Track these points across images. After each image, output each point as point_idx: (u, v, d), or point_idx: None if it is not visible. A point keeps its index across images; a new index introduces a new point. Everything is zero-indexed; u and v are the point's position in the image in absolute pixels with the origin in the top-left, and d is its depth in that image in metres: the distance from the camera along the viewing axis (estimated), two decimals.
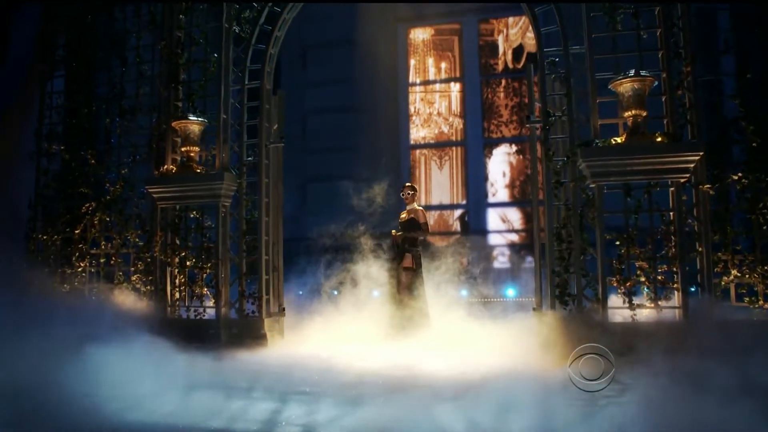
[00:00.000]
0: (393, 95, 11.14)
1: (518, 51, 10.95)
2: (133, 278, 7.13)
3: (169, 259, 6.80)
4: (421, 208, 7.05)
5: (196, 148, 6.76)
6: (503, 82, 11.48)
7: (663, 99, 5.73)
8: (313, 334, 6.81)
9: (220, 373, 5.03)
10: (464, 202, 11.36)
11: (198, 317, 6.63)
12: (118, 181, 7.40)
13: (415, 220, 6.92)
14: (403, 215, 7.05)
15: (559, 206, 5.91)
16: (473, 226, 11.36)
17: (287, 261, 7.32)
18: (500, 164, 11.08)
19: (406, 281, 6.70)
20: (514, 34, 10.85)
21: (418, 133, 11.32)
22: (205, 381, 4.63)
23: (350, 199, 8.26)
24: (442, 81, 11.09)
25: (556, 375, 4.36)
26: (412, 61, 11.24)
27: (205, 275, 6.71)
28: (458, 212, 11.44)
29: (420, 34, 11.16)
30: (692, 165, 5.36)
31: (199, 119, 6.71)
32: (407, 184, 7.22)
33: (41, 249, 7.59)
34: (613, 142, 5.52)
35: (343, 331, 6.73)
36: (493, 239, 11.01)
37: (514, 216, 10.97)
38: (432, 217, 12.30)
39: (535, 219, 6.20)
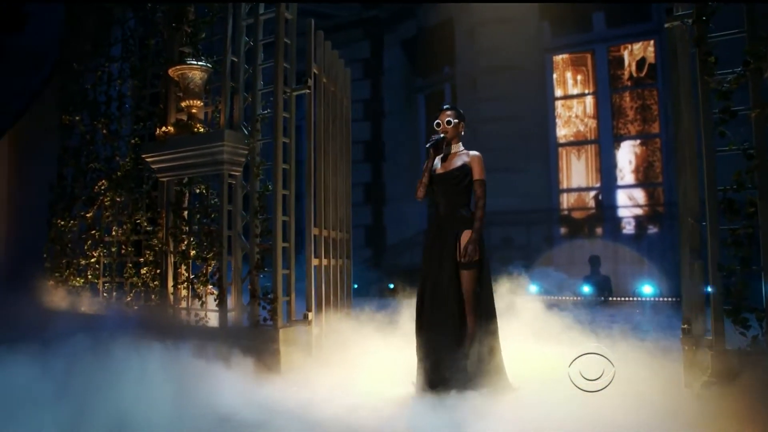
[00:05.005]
0: (542, 104, 13.83)
1: (641, 62, 13.34)
2: (143, 271, 5.77)
3: (170, 248, 5.30)
4: (476, 153, 3.82)
5: (199, 102, 5.15)
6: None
7: None
8: (359, 352, 4.81)
9: None
10: (598, 184, 13.47)
11: (200, 323, 5.06)
12: (128, 153, 6.09)
13: (468, 169, 3.75)
14: (438, 165, 3.88)
15: (731, 153, 3.35)
16: (605, 203, 13.29)
17: None
18: (627, 154, 13.13)
19: (468, 287, 3.58)
20: (637, 49, 13.17)
21: (560, 132, 13.93)
22: None
23: (511, 185, 11.75)
24: (578, 95, 13.81)
25: None
26: (554, 75, 13.95)
27: (209, 268, 5.12)
28: (592, 193, 13.53)
29: (560, 54, 14.07)
30: None
31: (200, 64, 5.08)
32: (446, 106, 3.95)
33: (59, 237, 6.58)
34: None
35: (395, 353, 4.62)
36: (621, 212, 13.23)
37: (639, 195, 13.16)
38: (573, 197, 13.78)
39: (678, 175, 3.66)
